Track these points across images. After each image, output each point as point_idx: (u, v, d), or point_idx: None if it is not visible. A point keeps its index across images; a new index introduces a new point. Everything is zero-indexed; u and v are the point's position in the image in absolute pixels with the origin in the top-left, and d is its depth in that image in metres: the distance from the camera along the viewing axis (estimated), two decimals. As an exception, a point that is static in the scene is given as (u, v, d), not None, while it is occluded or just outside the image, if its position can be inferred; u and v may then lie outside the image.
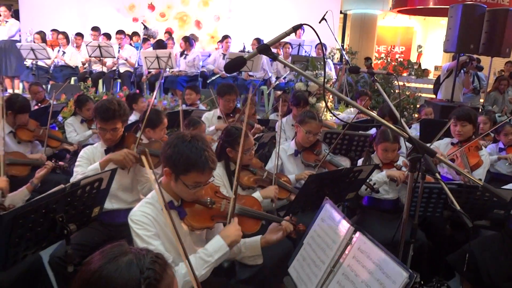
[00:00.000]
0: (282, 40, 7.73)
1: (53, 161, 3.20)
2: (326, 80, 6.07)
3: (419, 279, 3.15)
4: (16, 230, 1.76)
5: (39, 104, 5.37)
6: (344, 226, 1.62)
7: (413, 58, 14.80)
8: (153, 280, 0.96)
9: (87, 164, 2.69)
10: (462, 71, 6.86)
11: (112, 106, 2.61)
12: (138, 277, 0.95)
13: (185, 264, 1.31)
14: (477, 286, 2.96)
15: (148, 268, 0.97)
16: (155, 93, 3.57)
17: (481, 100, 7.95)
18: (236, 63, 1.56)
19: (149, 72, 7.95)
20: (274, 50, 8.62)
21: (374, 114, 1.60)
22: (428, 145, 3.69)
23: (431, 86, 8.92)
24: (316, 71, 6.13)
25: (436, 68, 14.06)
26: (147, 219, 1.83)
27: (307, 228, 1.88)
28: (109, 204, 2.63)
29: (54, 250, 2.49)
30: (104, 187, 2.21)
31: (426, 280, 3.14)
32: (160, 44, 8.60)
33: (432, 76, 12.48)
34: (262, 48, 1.53)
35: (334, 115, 1.92)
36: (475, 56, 6.74)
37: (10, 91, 8.60)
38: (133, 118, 4.76)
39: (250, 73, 8.10)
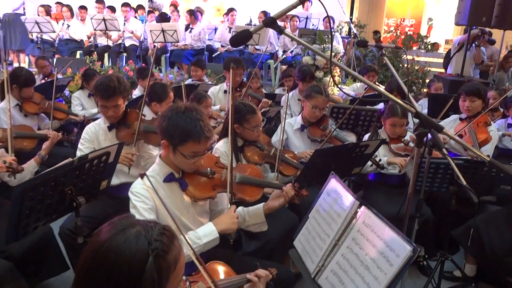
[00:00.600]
0: (289, 13, 7.60)
1: (60, 132, 3.22)
2: (333, 54, 6.01)
3: (424, 253, 3.20)
4: (27, 202, 1.79)
5: (46, 78, 5.36)
6: (349, 200, 1.63)
7: (423, 32, 14.48)
8: (161, 252, 0.98)
9: (90, 148, 2.71)
10: (473, 44, 6.72)
11: (112, 83, 2.59)
12: (147, 248, 0.97)
13: (181, 237, 1.33)
14: (481, 260, 2.99)
15: (156, 240, 0.99)
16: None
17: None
18: (242, 37, 1.53)
19: (154, 46, 7.89)
20: (281, 23, 8.48)
21: (381, 89, 1.58)
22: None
23: (441, 60, 8.76)
24: (324, 45, 6.04)
25: (447, 41, 13.75)
26: (147, 193, 1.86)
27: (312, 202, 1.89)
28: (116, 179, 2.67)
29: (64, 222, 2.55)
30: (111, 160, 2.23)
31: (430, 254, 3.18)
32: (163, 17, 8.50)
33: (442, 50, 12.24)
34: (268, 21, 1.50)
35: (341, 90, 1.89)
36: (487, 29, 6.58)
37: (16, 65, 8.59)
38: (137, 93, 4.76)
39: (257, 47, 8.01)
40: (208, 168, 2.02)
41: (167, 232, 1.04)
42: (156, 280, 0.96)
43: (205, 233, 1.87)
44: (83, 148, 2.73)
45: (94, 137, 2.78)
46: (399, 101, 1.53)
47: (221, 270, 1.70)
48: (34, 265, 2.50)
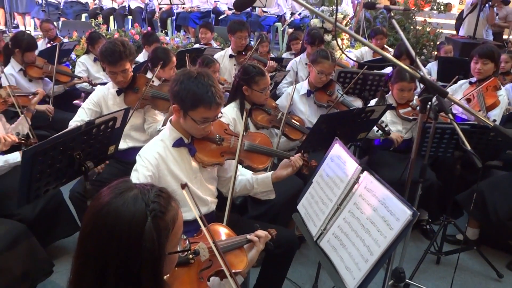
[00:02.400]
0: (297, -27, 7.33)
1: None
2: (342, 16, 5.85)
3: (427, 217, 3.25)
4: (37, 166, 1.84)
5: (51, 42, 5.33)
6: (352, 165, 1.65)
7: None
8: (158, 212, 1.03)
9: (92, 110, 2.75)
10: (487, 5, 6.50)
11: (117, 48, 2.59)
12: (144, 209, 1.01)
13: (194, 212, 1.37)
14: (484, 224, 3.03)
15: (153, 201, 1.03)
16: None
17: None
18: (245, 0, 1.50)
19: (160, 9, 7.75)
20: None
21: (386, 54, 1.56)
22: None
23: (453, 22, 8.51)
24: (333, 7, 5.89)
25: (461, 2, 13.30)
26: (155, 160, 1.90)
27: (317, 167, 1.91)
28: (123, 144, 2.71)
29: (74, 185, 2.61)
30: (118, 126, 2.26)
31: (434, 218, 3.22)
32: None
33: (455, 11, 11.86)
34: (273, -17, 1.46)
35: (346, 56, 1.84)
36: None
37: (22, 28, 8.53)
38: (142, 57, 4.73)
39: (264, 9, 7.84)
40: (217, 135, 2.04)
41: (164, 194, 1.08)
42: (155, 239, 1.00)
43: None
44: (86, 108, 2.77)
45: (102, 100, 2.80)
46: (404, 65, 1.51)
47: (221, 231, 1.75)
48: (46, 226, 2.59)
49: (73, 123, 2.71)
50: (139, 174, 1.86)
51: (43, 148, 1.84)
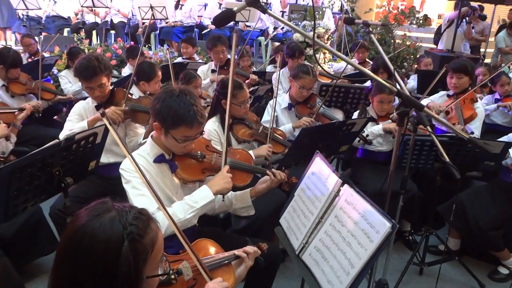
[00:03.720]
0: (280, -12, 7.46)
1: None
2: (324, 30, 5.94)
3: (410, 228, 3.28)
4: (14, 183, 1.80)
5: (32, 57, 5.28)
6: (332, 179, 1.66)
7: (417, 5, 14.32)
8: (136, 235, 1.00)
9: (78, 119, 2.71)
10: (464, 20, 6.70)
11: (91, 63, 2.57)
12: (121, 232, 0.98)
13: (165, 216, 1.37)
14: (465, 235, 3.07)
15: (131, 224, 1.01)
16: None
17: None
18: (224, 17, 1.52)
19: (143, 23, 7.76)
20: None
21: (364, 68, 1.59)
22: (422, 98, 3.69)
23: (432, 36, 8.73)
24: (315, 21, 5.98)
25: (440, 16, 13.67)
26: (143, 169, 1.86)
27: (298, 181, 1.92)
28: (105, 158, 2.67)
29: (54, 202, 2.57)
30: (99, 141, 2.24)
31: (416, 229, 3.26)
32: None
33: (434, 25, 12.17)
34: (252, 0, 1.48)
35: (324, 70, 1.87)
36: (477, 4, 6.55)
37: (2, 43, 8.43)
38: (127, 71, 4.72)
39: (247, 24, 7.91)
40: (199, 152, 2.02)
41: (143, 216, 1.05)
42: (132, 263, 0.97)
43: (201, 196, 1.87)
44: (73, 119, 2.73)
45: (83, 113, 2.77)
46: (381, 80, 1.54)
47: (209, 247, 1.73)
48: (26, 244, 2.53)
49: (66, 132, 2.64)
50: (135, 184, 1.83)
51: (20, 165, 1.81)
